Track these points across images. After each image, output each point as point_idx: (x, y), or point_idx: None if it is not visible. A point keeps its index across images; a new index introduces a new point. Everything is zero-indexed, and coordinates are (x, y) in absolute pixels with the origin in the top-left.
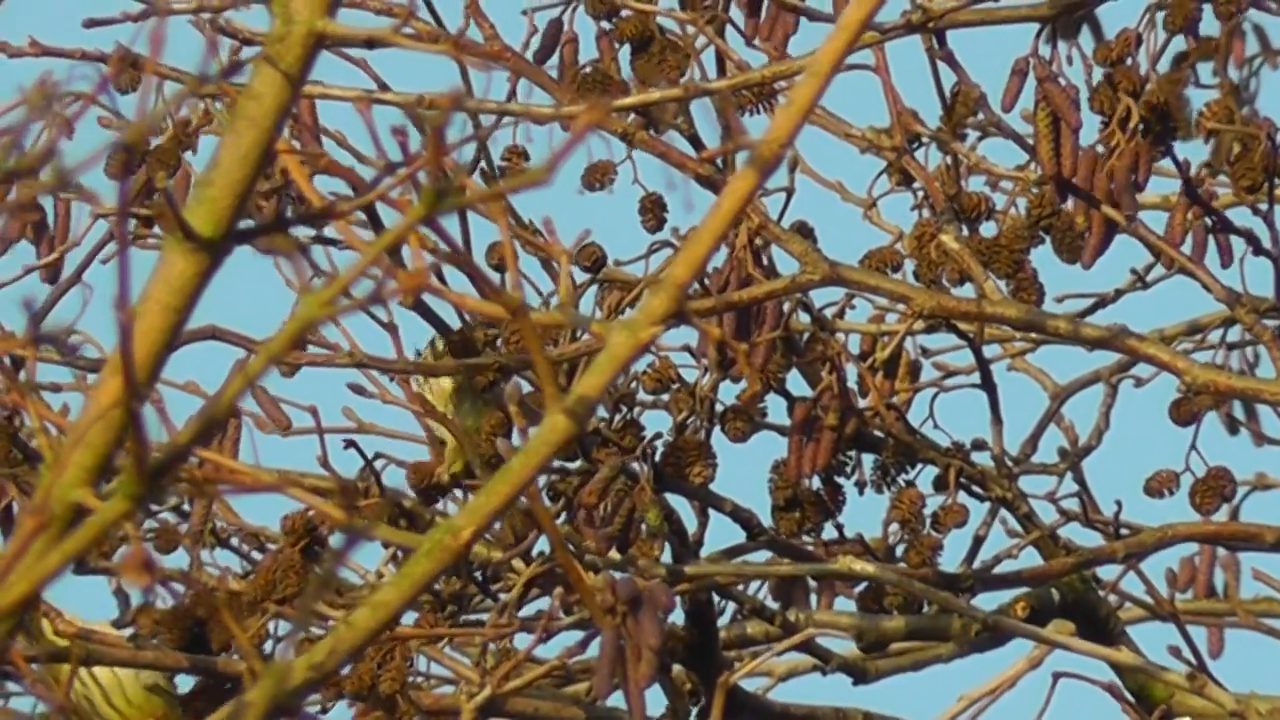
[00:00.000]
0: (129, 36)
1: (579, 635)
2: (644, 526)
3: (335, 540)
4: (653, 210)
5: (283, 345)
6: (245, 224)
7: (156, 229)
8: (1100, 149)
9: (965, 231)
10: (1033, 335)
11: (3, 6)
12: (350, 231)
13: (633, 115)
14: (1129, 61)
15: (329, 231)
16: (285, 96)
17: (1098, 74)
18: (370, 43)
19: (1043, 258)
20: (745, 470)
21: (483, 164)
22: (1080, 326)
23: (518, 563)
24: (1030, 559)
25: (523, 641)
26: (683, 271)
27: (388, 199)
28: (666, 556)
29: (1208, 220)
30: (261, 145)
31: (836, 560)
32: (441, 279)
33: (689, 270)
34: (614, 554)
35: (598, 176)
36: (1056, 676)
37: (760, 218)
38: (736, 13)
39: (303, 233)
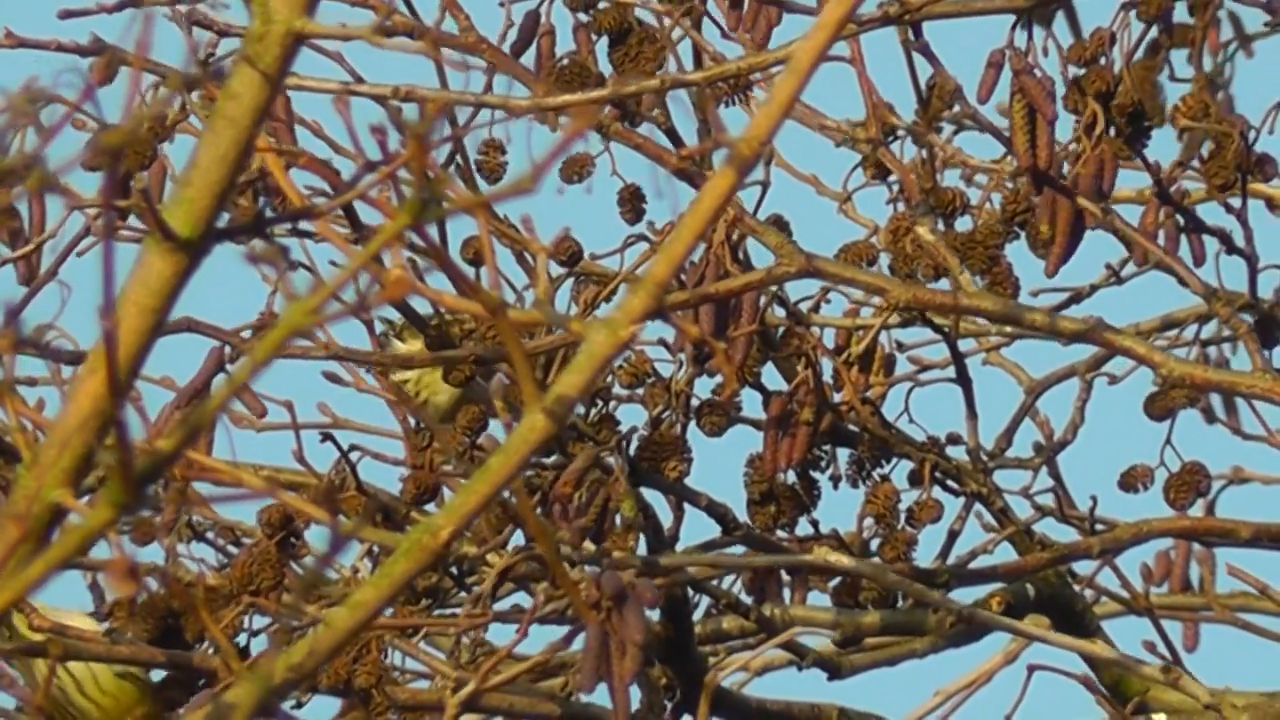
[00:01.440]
0: (105, 28)
1: (556, 628)
2: (619, 518)
3: (313, 535)
4: (631, 202)
5: (267, 352)
6: (224, 224)
7: (132, 221)
8: (1073, 148)
9: (941, 227)
10: (1008, 330)
11: None
12: (330, 230)
13: (608, 107)
14: (1102, 61)
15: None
16: (264, 96)
17: (1071, 72)
18: (347, 39)
19: (1017, 252)
20: (720, 464)
21: (458, 159)
22: (1057, 320)
23: (493, 556)
24: (1005, 554)
25: (498, 633)
26: (662, 270)
27: (367, 198)
28: (641, 549)
29: (1180, 219)
30: (240, 145)
31: (812, 552)
32: (419, 276)
33: (668, 268)
34: (588, 545)
35: (576, 169)
36: (1031, 669)
37: (736, 210)
38: (714, 7)
39: (281, 231)
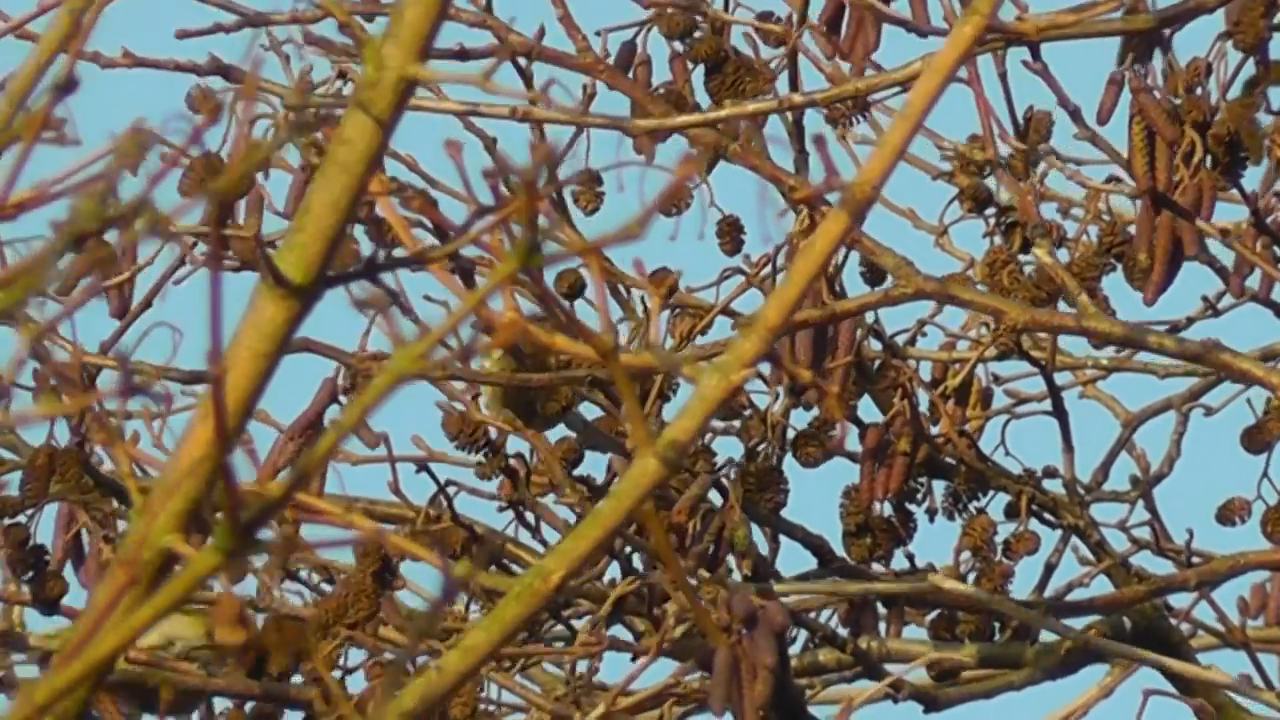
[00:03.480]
0: (222, 47)
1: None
2: (733, 545)
3: (408, 567)
4: (730, 234)
5: (375, 397)
6: (336, 270)
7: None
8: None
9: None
10: (1104, 362)
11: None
12: (446, 276)
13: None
14: (1199, 91)
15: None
16: (377, 142)
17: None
18: (460, 83)
19: (1112, 285)
20: (814, 496)
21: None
22: (1181, 341)
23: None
24: (1102, 587)
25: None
26: (774, 314)
27: (479, 242)
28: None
29: (1276, 249)
30: (352, 191)
31: (926, 579)
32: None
33: (780, 313)
34: (703, 573)
35: (674, 201)
36: (1147, 694)
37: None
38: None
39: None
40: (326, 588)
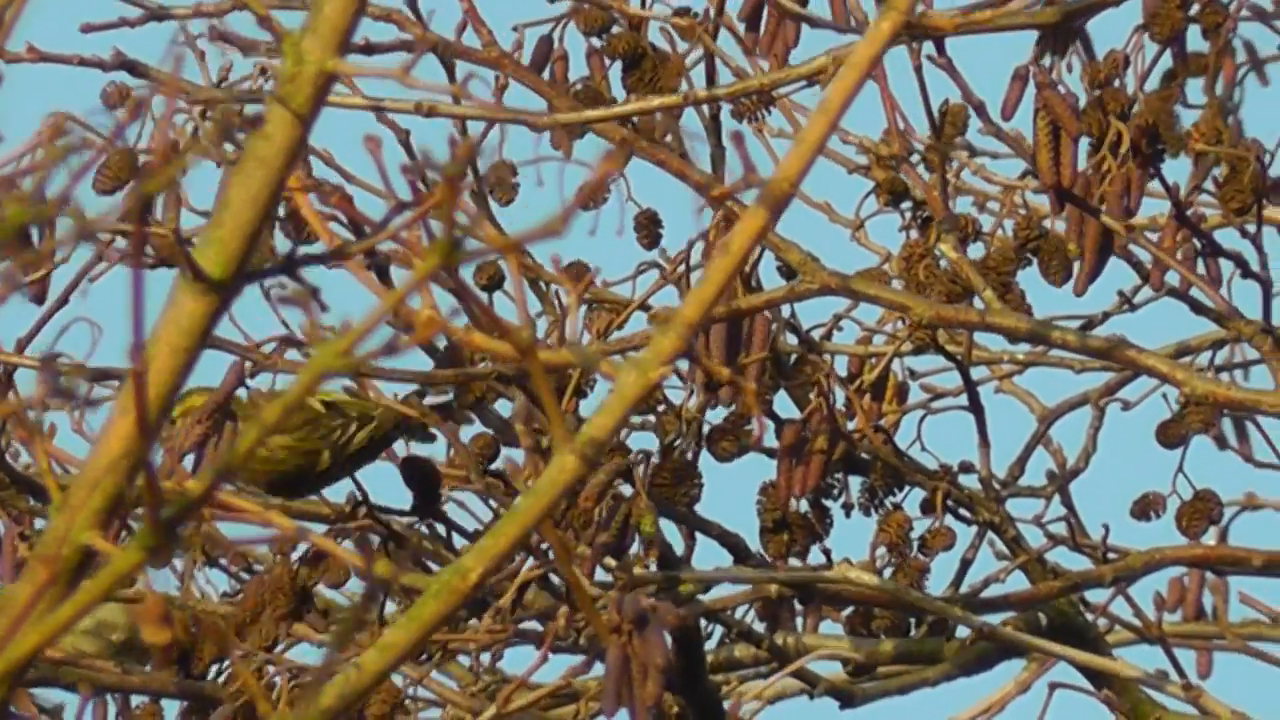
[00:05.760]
0: (126, 42)
1: (569, 657)
2: (638, 534)
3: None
4: (648, 227)
5: (297, 396)
6: (255, 265)
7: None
8: (1090, 172)
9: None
10: (1020, 357)
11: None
12: (363, 272)
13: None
14: (1116, 83)
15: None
16: (296, 136)
17: (1088, 94)
18: (379, 76)
19: (1027, 279)
20: (734, 493)
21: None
22: (1083, 337)
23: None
24: (1018, 582)
25: (512, 663)
26: (692, 311)
27: (397, 238)
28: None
29: (1196, 243)
30: (272, 186)
31: (833, 568)
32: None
33: (698, 310)
34: (609, 562)
35: (594, 196)
36: (1053, 687)
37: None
38: (727, 38)
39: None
40: (246, 576)
